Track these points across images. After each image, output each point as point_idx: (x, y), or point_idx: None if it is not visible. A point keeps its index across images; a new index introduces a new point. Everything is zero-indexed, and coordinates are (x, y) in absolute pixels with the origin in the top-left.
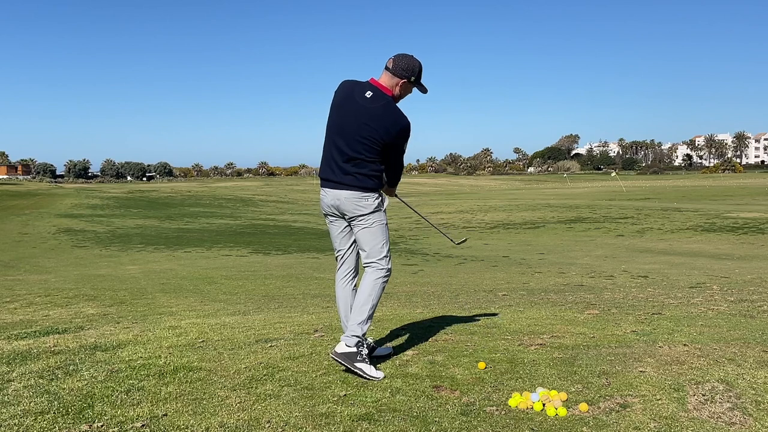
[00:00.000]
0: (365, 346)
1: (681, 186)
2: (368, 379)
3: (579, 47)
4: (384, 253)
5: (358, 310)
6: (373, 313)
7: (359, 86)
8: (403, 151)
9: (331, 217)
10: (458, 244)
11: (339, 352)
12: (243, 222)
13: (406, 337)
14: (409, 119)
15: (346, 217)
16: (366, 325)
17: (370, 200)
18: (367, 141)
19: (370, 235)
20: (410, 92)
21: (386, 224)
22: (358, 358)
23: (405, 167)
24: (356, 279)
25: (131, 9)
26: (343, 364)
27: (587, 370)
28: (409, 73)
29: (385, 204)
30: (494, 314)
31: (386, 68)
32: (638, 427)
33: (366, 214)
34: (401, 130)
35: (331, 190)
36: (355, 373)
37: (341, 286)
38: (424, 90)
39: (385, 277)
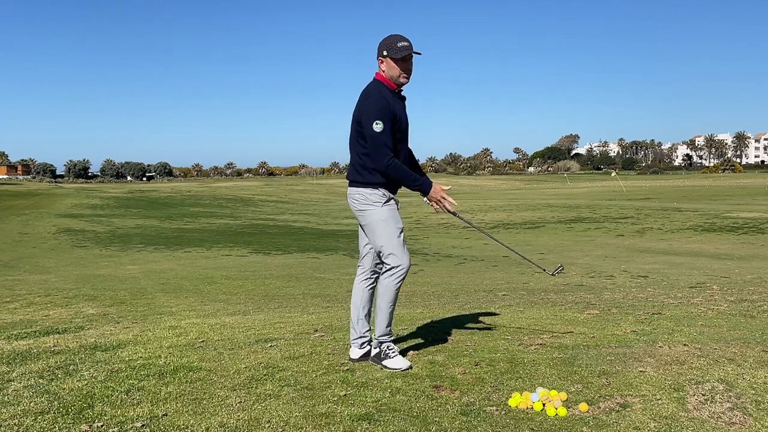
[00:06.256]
0: (388, 342)
1: (681, 186)
2: (393, 371)
3: (579, 47)
4: (388, 251)
5: (379, 314)
6: (392, 313)
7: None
8: (370, 132)
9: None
10: (553, 274)
11: (372, 356)
12: (243, 222)
13: (406, 337)
14: (374, 99)
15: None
16: (389, 327)
17: (366, 195)
18: (361, 131)
19: (369, 232)
20: (398, 67)
21: (387, 220)
22: (382, 356)
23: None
24: (374, 280)
25: (130, 8)
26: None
27: (587, 370)
28: (381, 49)
29: (390, 201)
30: (494, 314)
31: None
32: (638, 427)
33: (360, 210)
34: (364, 108)
35: (348, 188)
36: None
37: (356, 285)
38: (406, 55)
39: (393, 275)
